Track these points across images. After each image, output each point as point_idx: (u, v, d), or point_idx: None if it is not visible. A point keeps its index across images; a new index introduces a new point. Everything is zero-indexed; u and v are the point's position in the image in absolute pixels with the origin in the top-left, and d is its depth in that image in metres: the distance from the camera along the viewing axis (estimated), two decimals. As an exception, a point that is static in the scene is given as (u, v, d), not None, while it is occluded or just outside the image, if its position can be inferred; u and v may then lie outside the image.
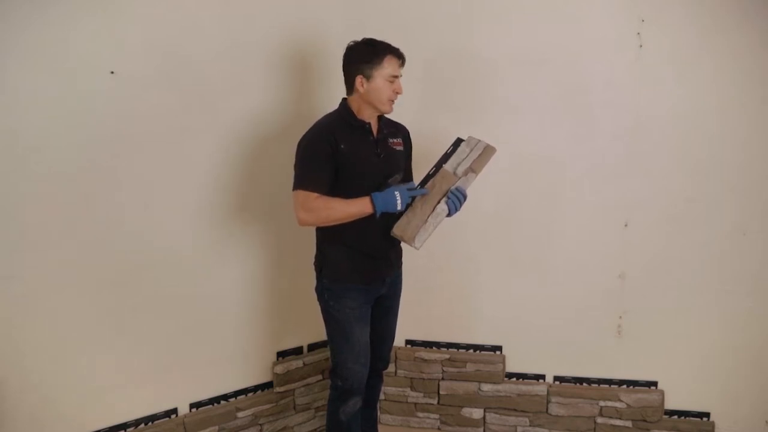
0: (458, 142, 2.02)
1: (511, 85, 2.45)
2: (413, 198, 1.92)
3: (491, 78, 2.47)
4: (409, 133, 2.15)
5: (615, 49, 2.33)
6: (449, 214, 1.93)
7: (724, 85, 2.25)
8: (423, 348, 2.69)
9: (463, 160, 1.96)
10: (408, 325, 2.69)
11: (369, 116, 1.98)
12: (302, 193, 1.85)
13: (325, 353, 2.66)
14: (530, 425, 2.58)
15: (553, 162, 2.45)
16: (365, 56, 1.91)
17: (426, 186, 1.95)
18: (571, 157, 2.43)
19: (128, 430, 2.11)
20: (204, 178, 2.23)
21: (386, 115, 2.04)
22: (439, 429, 2.68)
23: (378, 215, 1.87)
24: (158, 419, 2.19)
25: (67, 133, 1.89)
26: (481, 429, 2.63)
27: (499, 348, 2.62)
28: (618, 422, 2.48)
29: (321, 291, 2.03)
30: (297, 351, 2.60)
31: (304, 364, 2.57)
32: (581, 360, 2.54)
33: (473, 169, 1.95)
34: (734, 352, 2.36)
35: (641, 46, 2.30)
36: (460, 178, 1.93)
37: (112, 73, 1.95)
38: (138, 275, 2.09)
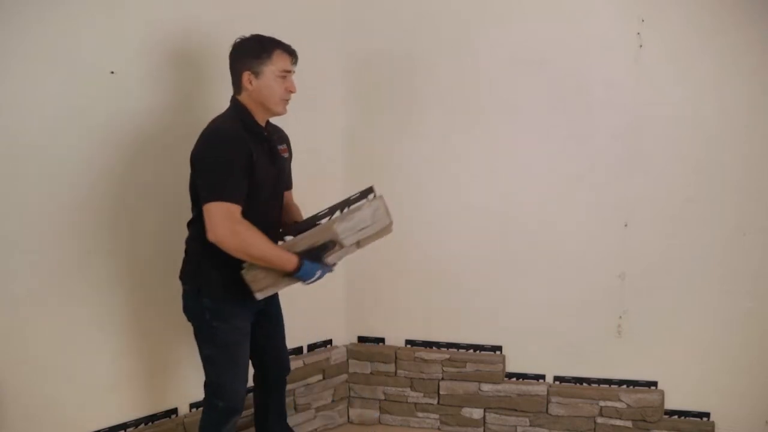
0: (368, 191, 1.86)
1: (510, 84, 2.45)
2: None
3: (491, 78, 2.46)
4: (289, 138, 2.04)
5: (615, 49, 2.33)
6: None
7: (724, 85, 2.25)
8: (423, 348, 2.69)
9: (358, 230, 1.79)
10: (408, 325, 2.69)
11: (261, 120, 1.85)
12: (225, 206, 1.66)
13: (325, 353, 2.66)
14: (530, 425, 2.58)
15: (553, 162, 2.45)
16: (252, 51, 1.79)
17: (308, 234, 1.80)
18: (570, 157, 2.43)
19: (128, 430, 2.12)
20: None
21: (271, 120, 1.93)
22: (439, 429, 2.68)
23: (293, 276, 1.76)
24: (158, 419, 2.19)
25: (67, 133, 1.89)
26: (481, 429, 2.63)
27: (499, 348, 2.62)
28: (618, 422, 2.48)
29: (200, 312, 1.84)
30: (297, 351, 2.60)
31: (304, 363, 2.57)
32: (581, 360, 2.54)
33: (360, 245, 1.81)
34: (734, 352, 2.36)
35: (641, 46, 2.30)
36: (342, 248, 1.79)
37: (113, 73, 1.95)
38: (138, 275, 2.09)
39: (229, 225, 1.66)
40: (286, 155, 1.97)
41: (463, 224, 2.57)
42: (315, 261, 1.78)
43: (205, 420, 1.94)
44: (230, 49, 1.82)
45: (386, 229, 1.83)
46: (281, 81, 1.81)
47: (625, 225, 2.41)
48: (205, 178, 1.72)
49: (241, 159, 1.71)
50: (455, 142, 2.53)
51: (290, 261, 1.74)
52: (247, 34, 1.82)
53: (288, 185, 2.05)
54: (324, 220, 1.85)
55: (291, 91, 1.84)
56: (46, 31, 1.81)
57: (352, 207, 1.83)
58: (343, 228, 1.78)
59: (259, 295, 1.78)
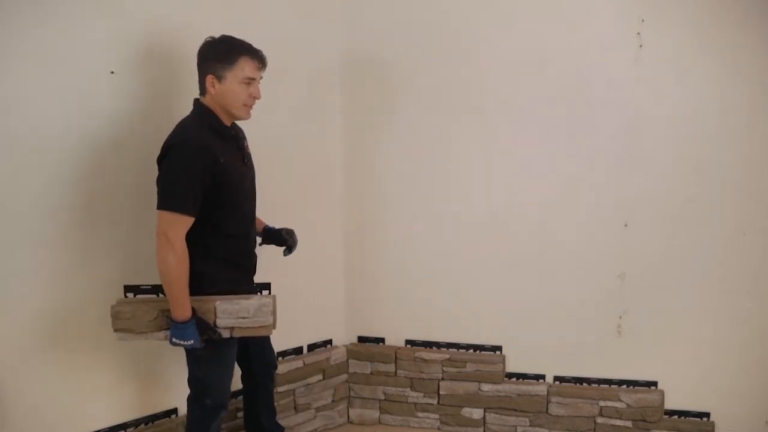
0: (262, 287, 1.92)
1: (511, 84, 2.45)
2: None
3: (491, 78, 2.47)
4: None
5: (615, 49, 2.33)
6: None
7: (724, 85, 2.25)
8: (423, 348, 2.69)
9: (238, 318, 1.77)
10: (408, 325, 2.69)
11: (227, 122, 1.83)
12: (169, 215, 1.66)
13: (325, 353, 2.66)
14: (530, 425, 2.58)
15: (553, 162, 2.45)
16: (218, 55, 1.75)
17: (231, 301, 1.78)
18: (570, 157, 2.43)
19: (128, 430, 2.12)
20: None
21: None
22: (439, 429, 2.68)
23: (171, 325, 1.73)
24: (158, 419, 2.19)
25: (67, 134, 1.89)
26: (481, 429, 2.63)
27: (499, 348, 2.62)
28: (618, 422, 2.48)
29: None
30: (297, 351, 2.60)
31: (304, 363, 2.58)
32: (581, 360, 2.54)
33: (232, 333, 1.78)
34: (734, 352, 2.36)
35: (641, 46, 2.30)
36: (214, 329, 1.76)
37: (113, 73, 1.95)
38: (137, 274, 2.08)
39: (175, 245, 1.66)
40: (249, 152, 1.95)
41: (463, 224, 2.57)
42: (201, 329, 1.73)
43: (193, 418, 1.92)
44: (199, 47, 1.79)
45: (265, 329, 1.81)
46: (245, 87, 1.78)
47: (625, 225, 2.41)
48: (160, 185, 1.71)
49: (200, 169, 1.68)
50: (455, 143, 2.53)
51: (184, 309, 1.70)
52: (218, 35, 1.79)
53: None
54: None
55: (255, 98, 1.81)
56: (47, 31, 1.81)
57: (241, 296, 1.82)
58: (223, 309, 1.77)
59: (118, 337, 1.77)
